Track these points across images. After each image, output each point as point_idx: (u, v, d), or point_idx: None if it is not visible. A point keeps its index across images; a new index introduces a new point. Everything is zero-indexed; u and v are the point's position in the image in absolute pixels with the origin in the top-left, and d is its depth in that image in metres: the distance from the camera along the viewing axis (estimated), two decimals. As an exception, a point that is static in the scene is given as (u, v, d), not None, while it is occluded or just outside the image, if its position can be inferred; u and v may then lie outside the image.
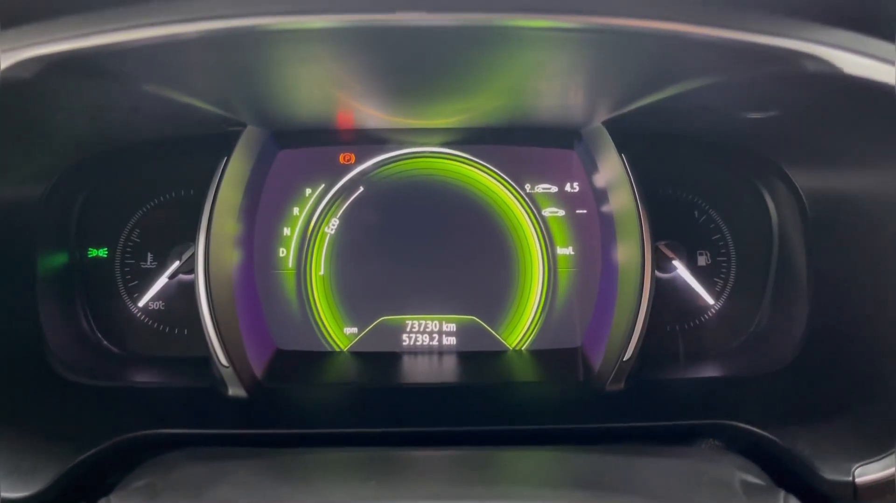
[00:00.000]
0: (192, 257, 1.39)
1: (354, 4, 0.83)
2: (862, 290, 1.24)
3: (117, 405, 1.30)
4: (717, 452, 1.15)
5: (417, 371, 1.47)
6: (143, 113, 1.18)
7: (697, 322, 1.53)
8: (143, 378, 1.41)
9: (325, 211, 1.53)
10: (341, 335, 1.53)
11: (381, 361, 1.49)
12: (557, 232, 1.54)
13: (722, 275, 1.53)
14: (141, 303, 1.51)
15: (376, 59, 1.01)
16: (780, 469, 1.08)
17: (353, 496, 0.85)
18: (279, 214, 1.52)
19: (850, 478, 1.01)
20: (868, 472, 1.01)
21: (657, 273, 1.44)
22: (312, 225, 1.53)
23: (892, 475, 0.99)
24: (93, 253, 1.51)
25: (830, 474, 1.03)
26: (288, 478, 0.94)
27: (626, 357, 1.32)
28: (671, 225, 1.50)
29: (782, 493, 0.94)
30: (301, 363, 1.48)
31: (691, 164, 1.53)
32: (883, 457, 1.01)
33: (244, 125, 1.36)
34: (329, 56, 1.00)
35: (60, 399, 1.29)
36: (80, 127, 1.21)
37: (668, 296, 1.49)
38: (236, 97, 1.20)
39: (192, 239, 1.37)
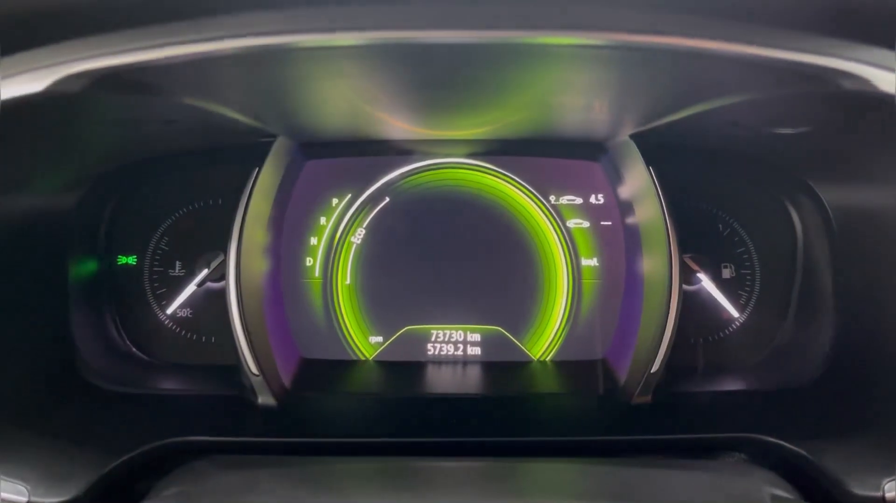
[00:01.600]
0: (221, 265, 1.41)
1: (386, 22, 0.84)
2: (888, 305, 1.24)
3: (147, 412, 1.32)
4: (745, 466, 1.15)
5: (442, 381, 1.48)
6: (177, 125, 1.19)
7: (722, 335, 1.53)
8: (171, 385, 1.43)
9: (352, 221, 1.54)
10: (366, 344, 1.54)
11: (405, 371, 1.50)
12: (582, 243, 1.54)
13: (746, 289, 1.53)
14: (169, 311, 1.53)
15: (405, 74, 1.03)
16: (808, 484, 1.08)
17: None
18: (306, 224, 1.54)
19: (881, 494, 1.01)
20: (898, 487, 1.00)
21: (683, 286, 1.44)
22: (339, 234, 1.54)
23: (922, 491, 0.99)
24: (122, 260, 1.53)
25: (859, 489, 1.03)
26: (318, 488, 0.95)
27: (654, 369, 1.32)
28: (696, 238, 1.50)
29: (812, 508, 0.94)
30: (327, 372, 1.49)
31: (717, 177, 1.53)
32: (913, 473, 1.00)
33: (275, 136, 1.37)
34: (359, 72, 1.01)
35: (91, 406, 1.31)
36: (114, 137, 1.23)
37: (692, 309, 1.49)
38: (268, 110, 1.22)
39: (221, 247, 1.39)
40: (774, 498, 0.99)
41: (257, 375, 1.32)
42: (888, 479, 1.01)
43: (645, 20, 0.83)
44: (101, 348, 1.45)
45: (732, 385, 1.44)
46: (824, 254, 1.43)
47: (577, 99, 1.19)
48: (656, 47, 0.85)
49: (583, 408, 1.39)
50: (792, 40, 0.82)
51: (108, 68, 0.83)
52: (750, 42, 0.83)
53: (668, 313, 1.32)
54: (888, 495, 1.01)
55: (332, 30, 0.84)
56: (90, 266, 1.47)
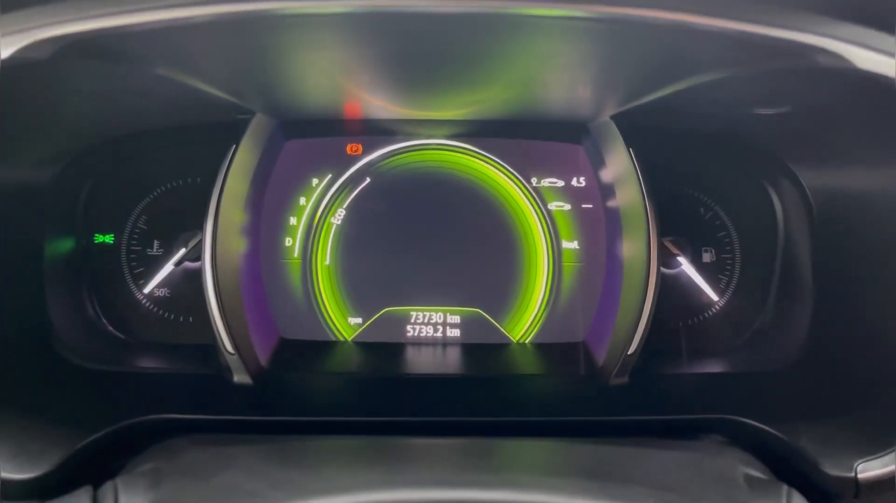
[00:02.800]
0: (199, 245, 1.39)
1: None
2: (867, 288, 1.24)
3: (123, 390, 1.31)
4: (720, 447, 1.15)
5: (421, 362, 1.47)
6: (153, 99, 1.18)
7: (702, 318, 1.54)
8: (148, 364, 1.42)
9: (332, 201, 1.53)
10: (346, 325, 1.54)
11: (385, 351, 1.50)
12: (563, 226, 1.54)
13: (727, 272, 1.53)
14: (147, 290, 1.52)
15: (386, 46, 1.01)
16: (783, 464, 1.08)
17: (360, 481, 0.86)
18: (286, 204, 1.53)
19: (853, 474, 1.01)
20: (870, 468, 1.01)
21: (662, 269, 1.44)
22: (319, 215, 1.53)
23: (894, 471, 0.99)
24: (99, 239, 1.51)
25: (833, 470, 1.03)
26: (295, 464, 0.94)
27: (631, 351, 1.32)
28: (677, 221, 1.50)
29: (785, 488, 0.94)
30: (306, 352, 1.49)
31: (698, 160, 1.53)
32: (886, 454, 1.01)
33: (253, 113, 1.36)
34: (339, 43, 1.00)
35: (66, 383, 1.30)
36: (89, 111, 1.21)
37: (672, 292, 1.49)
38: (246, 84, 1.20)
39: (199, 226, 1.37)
40: (748, 477, 0.99)
41: (233, 354, 1.31)
42: (861, 460, 1.01)
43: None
44: (77, 326, 1.44)
45: (711, 367, 1.44)
46: (804, 238, 1.44)
47: (560, 76, 1.18)
48: (637, 20, 0.85)
49: (560, 389, 1.39)
50: (769, 15, 0.82)
51: (78, 34, 0.81)
52: (727, 16, 0.83)
53: (645, 296, 1.32)
54: (860, 475, 1.01)
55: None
56: (67, 244, 1.46)
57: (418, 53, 1.06)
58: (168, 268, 1.50)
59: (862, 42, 0.82)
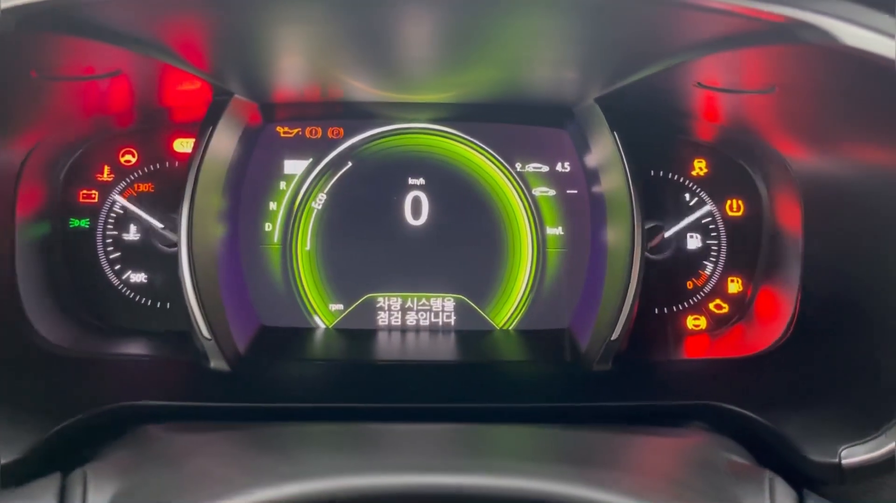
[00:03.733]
0: (175, 230, 1.37)
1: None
2: (853, 275, 1.24)
3: (97, 376, 1.29)
4: (704, 433, 1.14)
5: (403, 348, 1.46)
6: (126, 77, 1.15)
7: (687, 304, 1.53)
8: (123, 350, 1.39)
9: (313, 186, 1.51)
10: (327, 311, 1.52)
11: (366, 338, 1.48)
12: (547, 212, 1.53)
13: (712, 258, 1.52)
14: (123, 276, 1.49)
15: (367, 26, 0.99)
16: (766, 450, 1.08)
17: (333, 467, 0.84)
18: (265, 188, 1.50)
19: (837, 460, 1.00)
20: (854, 454, 1.00)
21: (647, 255, 1.43)
22: (299, 200, 1.51)
23: (878, 457, 0.99)
24: (74, 223, 1.48)
25: (816, 456, 1.02)
26: (268, 450, 0.93)
27: (614, 337, 1.31)
28: (662, 207, 1.50)
29: (767, 474, 0.94)
30: (285, 339, 1.47)
31: (684, 145, 1.52)
32: (870, 440, 1.00)
33: (231, 95, 1.33)
34: (318, 20, 0.98)
35: (39, 370, 1.28)
36: (61, 90, 1.18)
37: (657, 278, 1.48)
38: (223, 63, 1.18)
39: (176, 211, 1.35)
40: (731, 463, 0.98)
41: (209, 339, 1.29)
42: (844, 446, 1.01)
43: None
44: (51, 312, 1.41)
45: (696, 354, 1.44)
46: (790, 224, 1.43)
47: (544, 55, 1.16)
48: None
49: (543, 375, 1.38)
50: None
51: (42, 4, 0.79)
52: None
53: (628, 282, 1.31)
54: (844, 461, 1.00)
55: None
56: (41, 228, 1.43)
57: (400, 34, 1.05)
58: (145, 253, 1.48)
59: (849, 17, 0.81)
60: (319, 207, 1.51)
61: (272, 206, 1.51)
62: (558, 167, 1.52)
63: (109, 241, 1.49)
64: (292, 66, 1.25)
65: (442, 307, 1.52)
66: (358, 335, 1.49)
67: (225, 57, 1.15)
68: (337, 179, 1.51)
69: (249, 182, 1.48)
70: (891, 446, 0.98)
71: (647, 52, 1.06)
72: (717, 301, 1.52)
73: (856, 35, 0.81)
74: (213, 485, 0.83)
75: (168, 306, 1.49)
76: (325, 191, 1.51)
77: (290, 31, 1.04)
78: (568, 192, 1.52)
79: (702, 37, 0.95)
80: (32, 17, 0.81)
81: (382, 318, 1.52)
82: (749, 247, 1.52)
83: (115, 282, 1.49)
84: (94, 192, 1.49)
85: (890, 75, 0.84)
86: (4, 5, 0.80)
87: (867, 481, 1.03)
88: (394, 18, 0.97)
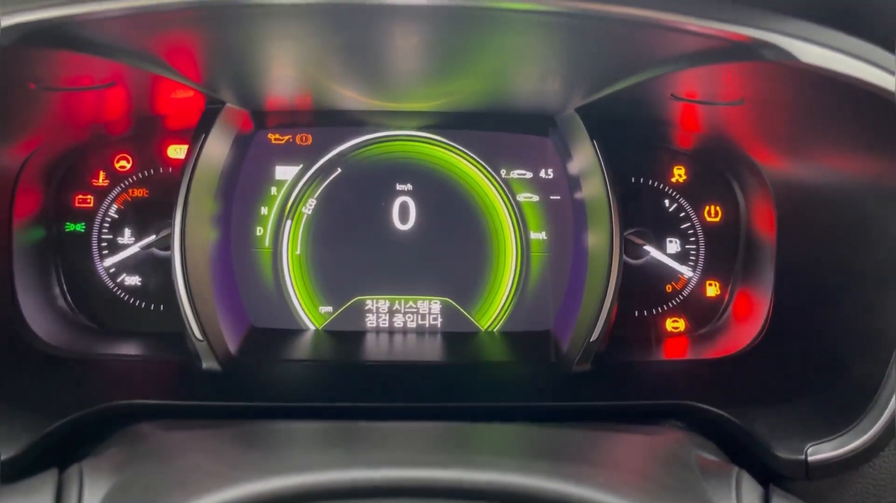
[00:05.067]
0: (169, 234, 1.40)
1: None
2: (824, 278, 1.28)
3: (92, 376, 1.32)
4: (677, 431, 1.18)
5: (391, 350, 1.49)
6: (120, 87, 1.18)
7: (665, 307, 1.57)
8: (117, 351, 1.43)
9: (303, 191, 1.54)
10: (316, 314, 1.55)
11: (354, 340, 1.52)
12: (531, 217, 1.56)
13: (691, 263, 1.56)
14: (118, 279, 1.52)
15: (355, 38, 1.03)
16: (737, 448, 1.12)
17: (319, 462, 0.88)
18: (257, 193, 1.54)
19: (803, 457, 1.04)
20: (820, 452, 1.04)
21: (628, 259, 1.48)
22: (290, 205, 1.54)
23: (843, 454, 1.03)
24: (70, 227, 1.52)
25: (784, 453, 1.06)
26: (256, 446, 0.97)
27: (593, 338, 1.35)
28: (642, 212, 1.54)
29: (735, 469, 0.97)
30: (276, 340, 1.50)
31: (663, 153, 1.56)
32: (836, 437, 1.04)
33: (223, 103, 1.37)
34: (308, 34, 1.02)
35: (35, 370, 1.31)
36: (57, 99, 1.22)
37: (636, 283, 1.51)
38: (215, 74, 1.21)
39: (170, 215, 1.38)
40: (700, 459, 1.02)
41: (201, 340, 1.33)
42: (811, 444, 1.05)
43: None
44: (47, 313, 1.44)
45: (672, 355, 1.48)
46: (765, 229, 1.47)
47: (527, 68, 1.21)
48: (590, 14, 0.88)
49: (525, 376, 1.42)
50: (719, 11, 0.85)
51: (42, 21, 0.82)
52: (679, 11, 0.85)
53: (607, 286, 1.35)
54: (811, 458, 1.04)
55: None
56: (37, 232, 1.46)
57: (388, 46, 1.08)
58: (138, 256, 1.51)
59: (805, 36, 0.85)
60: (309, 212, 1.55)
61: (263, 210, 1.54)
62: (542, 174, 1.56)
63: (104, 244, 1.52)
64: (283, 77, 1.28)
65: (429, 309, 1.56)
66: (346, 337, 1.53)
67: (217, 69, 1.19)
68: (327, 185, 1.54)
69: (241, 187, 1.52)
70: (855, 444, 1.02)
71: (624, 66, 1.10)
72: (696, 304, 1.56)
73: (812, 53, 0.85)
74: (204, 478, 0.86)
75: (161, 308, 1.53)
76: (315, 196, 1.54)
77: (281, 45, 1.08)
78: (551, 197, 1.56)
79: (674, 53, 0.99)
80: (32, 34, 0.85)
81: (370, 321, 1.56)
82: (726, 251, 1.56)
83: (110, 284, 1.53)
84: (89, 196, 1.52)
85: (847, 89, 0.88)
86: (5, 23, 0.83)
87: (832, 477, 1.07)
88: (382, 33, 1.01)
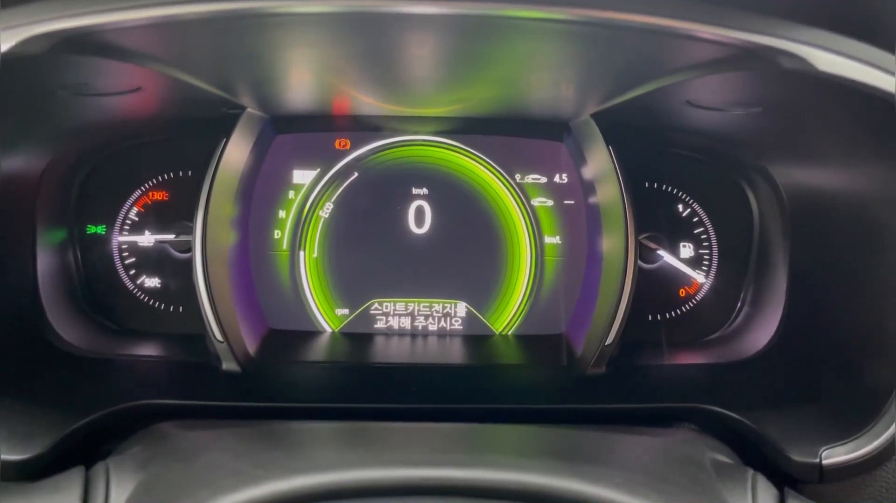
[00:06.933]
0: (189, 236, 1.42)
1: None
2: (837, 283, 1.28)
3: (114, 376, 1.34)
4: (692, 434, 1.19)
5: (406, 352, 1.51)
6: (145, 93, 1.21)
7: (679, 312, 1.58)
8: (138, 352, 1.45)
9: (320, 195, 1.56)
10: (333, 316, 1.57)
11: (370, 342, 1.53)
12: (545, 221, 1.58)
13: (704, 268, 1.57)
14: (138, 281, 1.55)
15: (373, 46, 1.05)
16: (751, 451, 1.13)
17: (341, 461, 0.89)
18: (275, 197, 1.56)
19: (817, 460, 1.05)
20: (834, 455, 1.05)
21: (641, 263, 1.49)
22: (307, 208, 1.56)
23: (857, 458, 1.04)
24: (91, 230, 1.54)
25: (798, 456, 1.07)
26: (279, 445, 0.98)
27: (608, 342, 1.36)
28: (655, 217, 1.55)
29: (751, 472, 0.98)
30: (293, 342, 1.52)
31: (677, 158, 1.57)
32: (850, 441, 1.05)
33: (243, 108, 1.39)
34: (327, 42, 1.04)
35: (59, 370, 1.33)
36: (82, 104, 1.24)
37: (650, 286, 1.53)
38: (237, 80, 1.23)
39: (189, 218, 1.41)
40: (715, 462, 1.03)
41: (222, 342, 1.35)
42: (825, 447, 1.05)
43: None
44: (69, 314, 1.46)
45: (687, 359, 1.49)
46: (778, 234, 1.48)
47: (543, 75, 1.22)
48: (610, 23, 0.89)
49: (539, 378, 1.43)
50: (736, 20, 0.86)
51: (74, 29, 0.84)
52: (698, 20, 0.86)
53: (622, 290, 1.36)
54: (825, 462, 1.05)
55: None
56: (59, 234, 1.48)
57: (406, 54, 1.10)
58: (158, 259, 1.53)
59: (823, 45, 0.86)
60: (326, 216, 1.56)
61: (281, 214, 1.56)
62: (556, 178, 1.58)
63: (125, 246, 1.55)
64: (303, 83, 1.30)
65: (443, 312, 1.58)
66: (362, 339, 1.55)
67: (239, 75, 1.21)
68: (343, 189, 1.56)
69: (259, 191, 1.54)
70: (869, 447, 1.03)
71: (641, 73, 1.11)
72: (708, 308, 1.57)
73: (830, 61, 0.86)
74: (227, 476, 0.88)
75: (180, 310, 1.55)
76: (332, 200, 1.56)
77: (302, 53, 1.09)
78: (565, 202, 1.57)
79: (691, 61, 1.00)
80: (63, 42, 0.87)
81: (386, 323, 1.58)
82: (739, 256, 1.57)
83: (130, 286, 1.55)
84: (110, 199, 1.54)
85: (864, 98, 0.89)
86: (36, 31, 0.85)
87: (846, 480, 1.08)
88: (400, 41, 1.02)
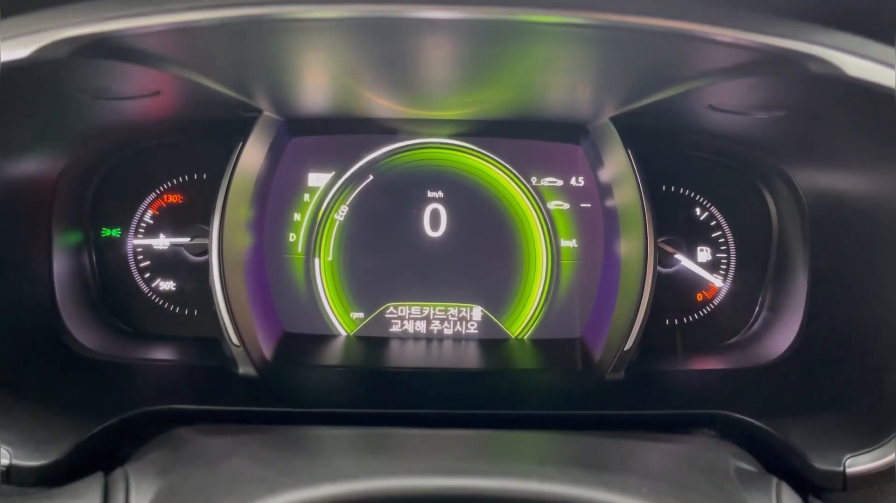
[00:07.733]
0: (204, 239, 1.42)
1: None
2: (858, 288, 1.27)
3: (131, 381, 1.34)
4: (713, 441, 1.18)
5: (421, 356, 1.51)
6: (163, 96, 1.20)
7: (697, 316, 1.57)
8: (155, 356, 1.45)
9: (335, 198, 1.56)
10: (348, 319, 1.57)
11: (385, 346, 1.53)
12: (562, 225, 1.57)
13: (722, 272, 1.56)
14: (153, 284, 1.54)
15: (389, 50, 1.04)
16: (773, 458, 1.12)
17: (364, 469, 0.89)
18: (290, 200, 1.55)
19: (841, 469, 1.04)
20: (858, 463, 1.04)
21: (659, 267, 1.48)
22: (322, 211, 1.56)
23: (881, 466, 1.03)
24: (106, 233, 1.54)
25: (821, 464, 1.06)
26: (300, 452, 0.98)
27: (627, 347, 1.36)
28: (674, 221, 1.54)
29: (774, 480, 0.97)
30: (308, 345, 1.52)
31: (694, 162, 1.56)
32: (873, 449, 1.04)
33: (260, 112, 1.39)
34: (343, 46, 1.03)
35: (76, 374, 1.33)
36: (100, 108, 1.24)
37: (667, 291, 1.52)
38: (254, 84, 1.23)
39: (204, 221, 1.41)
40: (738, 470, 1.02)
41: (238, 346, 1.34)
42: (849, 455, 1.04)
43: (623, 1, 0.86)
44: (85, 318, 1.46)
45: (705, 364, 1.47)
46: (797, 238, 1.46)
47: (560, 79, 1.21)
48: (634, 28, 0.88)
49: (557, 383, 1.42)
50: (763, 24, 0.85)
51: (94, 35, 0.84)
52: (723, 24, 0.85)
53: (641, 294, 1.35)
54: (849, 470, 1.04)
55: (313, 2, 0.86)
56: (74, 237, 1.48)
57: (422, 57, 1.09)
58: (173, 262, 1.53)
59: (852, 50, 0.85)
60: (341, 219, 1.56)
61: (296, 217, 1.56)
62: (572, 181, 1.57)
63: (139, 249, 1.54)
64: (318, 86, 1.30)
65: (459, 316, 1.57)
66: (378, 343, 1.54)
67: (255, 79, 1.20)
68: (359, 192, 1.56)
69: (275, 194, 1.53)
70: (893, 456, 1.02)
71: (664, 77, 1.10)
72: (727, 313, 1.56)
73: (859, 66, 0.85)
74: (251, 484, 0.87)
75: (196, 313, 1.54)
76: (348, 203, 1.56)
77: (318, 57, 1.09)
78: (582, 205, 1.57)
79: (714, 65, 0.99)
80: (84, 46, 0.86)
81: (401, 327, 1.57)
82: (758, 260, 1.56)
83: (145, 289, 1.54)
84: (125, 202, 1.54)
85: (889, 102, 0.88)
86: (58, 37, 0.85)
87: (869, 489, 1.07)
88: (416, 45, 1.02)
